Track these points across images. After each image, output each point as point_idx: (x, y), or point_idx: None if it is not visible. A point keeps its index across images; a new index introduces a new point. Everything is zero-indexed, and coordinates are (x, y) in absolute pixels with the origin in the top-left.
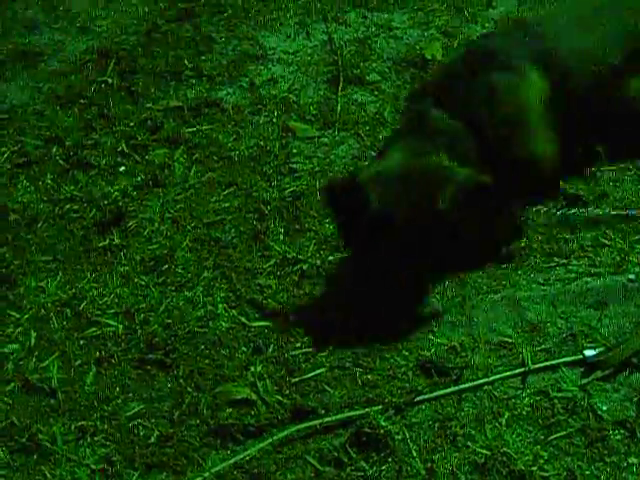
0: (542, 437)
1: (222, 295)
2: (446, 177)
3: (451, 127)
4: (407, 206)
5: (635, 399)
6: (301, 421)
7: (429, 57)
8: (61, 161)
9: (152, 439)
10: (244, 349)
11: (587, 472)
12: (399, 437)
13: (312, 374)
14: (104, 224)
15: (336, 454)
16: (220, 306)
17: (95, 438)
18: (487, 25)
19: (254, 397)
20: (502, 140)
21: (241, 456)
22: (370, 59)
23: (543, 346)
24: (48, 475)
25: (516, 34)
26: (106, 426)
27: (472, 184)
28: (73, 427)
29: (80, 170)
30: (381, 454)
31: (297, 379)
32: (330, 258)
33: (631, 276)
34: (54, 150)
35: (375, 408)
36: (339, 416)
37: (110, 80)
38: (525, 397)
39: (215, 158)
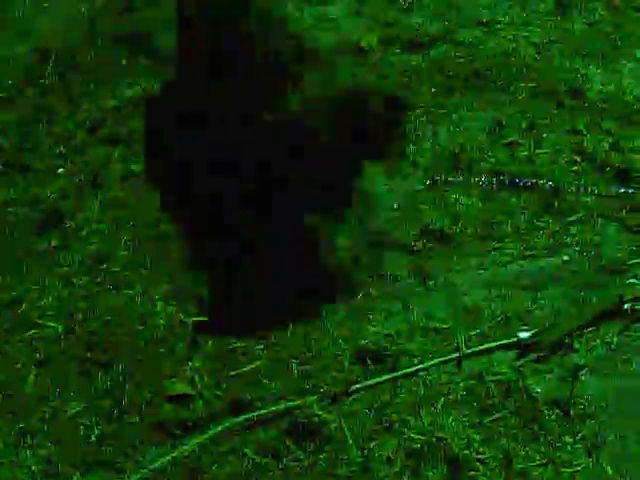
0: (477, 420)
1: (160, 292)
2: None
3: None
4: None
5: (569, 379)
6: (238, 414)
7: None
8: None
9: (92, 438)
10: (182, 345)
11: (522, 453)
12: (335, 426)
13: (249, 367)
14: (43, 226)
15: (273, 445)
16: (159, 303)
17: (36, 440)
18: (425, 14)
19: (192, 392)
20: None
21: (180, 451)
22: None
23: (478, 330)
24: None
25: None
26: (47, 427)
27: None
28: (14, 429)
29: (19, 173)
30: (317, 443)
31: (234, 372)
32: None
33: (565, 258)
34: None
35: (311, 398)
36: (275, 407)
37: (48, 81)
38: (460, 382)
39: None
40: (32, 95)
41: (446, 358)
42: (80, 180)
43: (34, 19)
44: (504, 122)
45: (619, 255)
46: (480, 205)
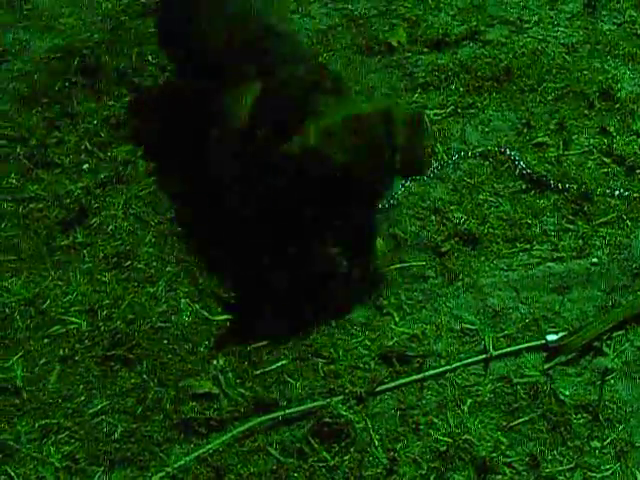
0: (504, 423)
1: (184, 290)
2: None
3: None
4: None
5: (597, 383)
6: (263, 413)
7: (395, 44)
8: (25, 160)
9: (116, 435)
10: (207, 343)
11: (549, 457)
12: (361, 427)
13: (274, 366)
14: (67, 222)
15: (298, 445)
16: (182, 301)
17: (59, 436)
18: (451, 13)
19: (216, 390)
20: None
21: (204, 450)
22: (334, 49)
23: (506, 332)
24: (12, 474)
25: None
26: (70, 423)
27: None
28: (37, 425)
29: (44, 169)
30: (343, 444)
31: (259, 371)
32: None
33: (594, 260)
34: (18, 149)
35: (336, 398)
36: (301, 407)
37: (74, 78)
38: (487, 384)
39: None
40: (56, 91)
41: (473, 360)
42: (105, 176)
43: (58, 15)
44: (533, 123)
45: None
46: (508, 206)
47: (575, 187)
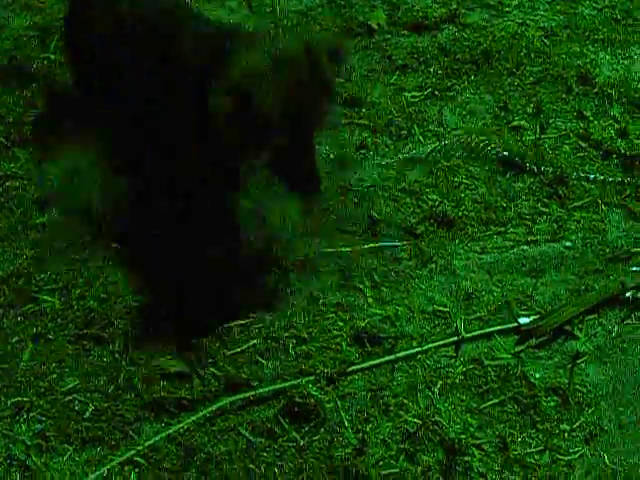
0: (474, 405)
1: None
2: None
3: None
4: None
5: (568, 366)
6: (234, 393)
7: (374, 26)
8: (1, 138)
9: (87, 414)
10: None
11: (519, 439)
12: (331, 407)
13: (246, 346)
14: (43, 201)
15: (269, 425)
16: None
17: (31, 414)
18: None
19: (188, 370)
20: None
21: (174, 429)
22: (314, 30)
23: (478, 314)
24: None
25: None
26: (42, 402)
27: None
28: (9, 403)
29: (20, 147)
30: (313, 425)
31: (231, 352)
32: None
33: (568, 243)
34: None
35: (307, 379)
36: (271, 387)
37: (52, 56)
38: (458, 366)
39: None
40: (35, 70)
41: (445, 342)
42: None
43: None
44: (510, 106)
45: (622, 242)
46: (484, 189)
47: (550, 170)
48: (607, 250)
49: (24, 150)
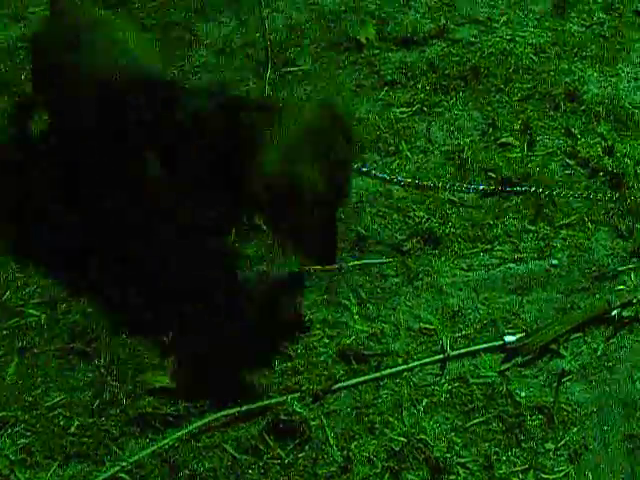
0: (459, 423)
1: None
2: None
3: None
4: None
5: (553, 385)
6: (219, 410)
7: (363, 41)
8: None
9: (72, 429)
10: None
11: (503, 458)
12: (316, 425)
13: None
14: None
15: (253, 442)
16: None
17: (15, 429)
18: (421, 10)
19: (173, 386)
20: None
21: (159, 445)
22: (302, 44)
23: (464, 332)
24: None
25: None
26: (27, 416)
27: None
28: None
29: None
30: (298, 442)
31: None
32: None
33: (554, 262)
34: None
35: (292, 396)
36: (257, 404)
37: None
38: (444, 383)
39: None
40: (24, 81)
41: (430, 359)
42: None
43: (27, 5)
44: (498, 123)
45: (609, 261)
46: (471, 206)
47: (537, 188)
48: (593, 268)
49: None
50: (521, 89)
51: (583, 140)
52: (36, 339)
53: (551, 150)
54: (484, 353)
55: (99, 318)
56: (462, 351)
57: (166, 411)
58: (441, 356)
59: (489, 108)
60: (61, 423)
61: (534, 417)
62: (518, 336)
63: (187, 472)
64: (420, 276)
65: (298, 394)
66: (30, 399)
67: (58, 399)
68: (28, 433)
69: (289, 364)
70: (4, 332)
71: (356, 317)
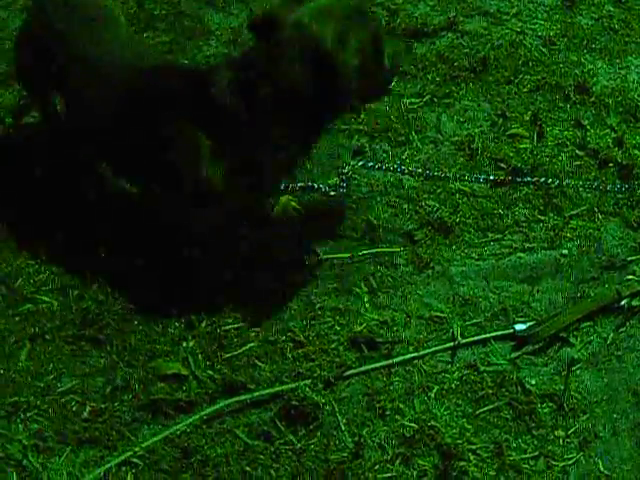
0: (470, 410)
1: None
2: None
3: None
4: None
5: (563, 373)
6: (231, 396)
7: None
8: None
9: (84, 414)
10: (176, 324)
11: (514, 444)
12: (328, 411)
13: (243, 349)
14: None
15: (265, 428)
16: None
17: (28, 414)
18: (431, 3)
19: (185, 372)
20: None
21: (171, 431)
22: None
23: (474, 320)
24: None
25: None
26: (39, 402)
27: None
28: (6, 403)
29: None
30: (309, 428)
31: (228, 354)
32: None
33: (564, 251)
34: None
35: (304, 382)
36: (269, 390)
37: None
38: (455, 371)
39: None
40: None
41: (441, 347)
42: None
43: None
44: (508, 114)
45: (618, 251)
46: (481, 196)
47: (547, 178)
48: (603, 258)
49: None
50: (531, 81)
51: (593, 131)
52: (48, 325)
53: (561, 141)
54: (494, 341)
55: (111, 305)
56: (473, 339)
57: (178, 397)
58: (452, 344)
59: (499, 99)
60: (73, 409)
61: (544, 405)
62: (528, 324)
63: (199, 457)
64: (431, 265)
65: (310, 380)
66: (42, 385)
67: (70, 385)
68: (40, 418)
69: (301, 351)
70: (16, 318)
71: (367, 305)
